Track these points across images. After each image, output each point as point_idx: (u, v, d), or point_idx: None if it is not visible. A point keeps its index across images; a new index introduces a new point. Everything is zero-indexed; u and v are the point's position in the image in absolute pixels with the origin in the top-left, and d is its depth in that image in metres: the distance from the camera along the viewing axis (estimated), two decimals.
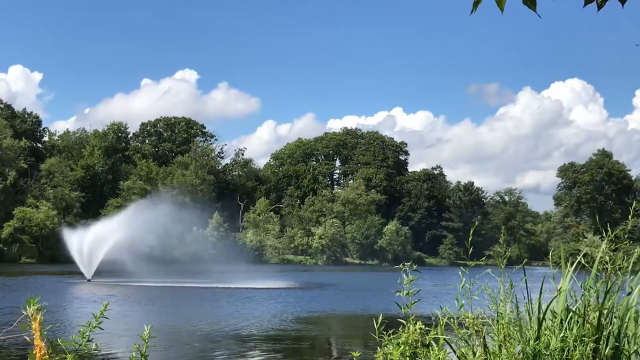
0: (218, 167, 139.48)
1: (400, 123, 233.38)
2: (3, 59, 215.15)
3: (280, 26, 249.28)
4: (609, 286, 5.87)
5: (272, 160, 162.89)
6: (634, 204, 6.48)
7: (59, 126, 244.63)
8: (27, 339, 4.33)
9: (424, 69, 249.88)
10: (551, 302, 6.03)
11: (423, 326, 6.22)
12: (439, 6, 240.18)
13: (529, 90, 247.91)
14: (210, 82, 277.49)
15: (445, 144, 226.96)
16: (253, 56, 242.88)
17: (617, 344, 5.74)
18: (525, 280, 6.27)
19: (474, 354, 6.07)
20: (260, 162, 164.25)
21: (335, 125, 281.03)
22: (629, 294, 5.96)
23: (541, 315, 5.88)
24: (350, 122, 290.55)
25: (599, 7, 3.12)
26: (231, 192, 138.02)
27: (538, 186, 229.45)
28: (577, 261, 6.29)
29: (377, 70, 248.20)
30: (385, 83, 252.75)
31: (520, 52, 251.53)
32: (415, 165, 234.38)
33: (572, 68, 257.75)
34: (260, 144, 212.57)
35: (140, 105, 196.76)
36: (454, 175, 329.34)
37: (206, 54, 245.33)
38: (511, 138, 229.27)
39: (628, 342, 5.81)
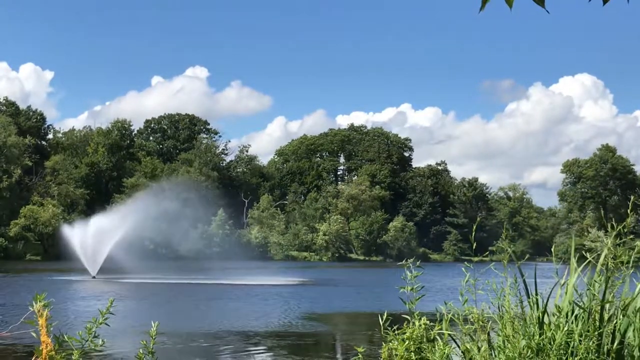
0: (222, 163, 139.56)
1: (409, 119, 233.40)
2: (14, 57, 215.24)
3: (292, 25, 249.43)
4: (610, 281, 5.86)
5: (276, 156, 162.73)
6: (633, 198, 6.47)
7: (69, 124, 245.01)
8: (34, 335, 4.35)
9: (432, 66, 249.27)
10: (549, 294, 6.02)
11: (428, 322, 6.23)
12: (448, 3, 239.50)
13: (539, 86, 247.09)
14: (222, 80, 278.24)
15: (454, 140, 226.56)
16: (265, 55, 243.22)
17: (623, 339, 5.73)
18: (524, 278, 6.26)
19: (479, 349, 6.07)
20: (270, 159, 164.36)
21: (344, 121, 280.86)
22: None
23: (543, 310, 5.88)
24: (358, 118, 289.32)
25: (604, 1, 3.14)
26: (235, 188, 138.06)
27: (546, 182, 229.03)
28: (587, 261, 6.27)
29: (387, 67, 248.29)
30: (393, 80, 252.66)
31: (531, 48, 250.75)
32: (424, 161, 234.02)
33: (582, 63, 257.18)
34: (270, 141, 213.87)
35: (152, 103, 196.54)
36: (462, 172, 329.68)
37: (217, 52, 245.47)
38: (520, 134, 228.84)
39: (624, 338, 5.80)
